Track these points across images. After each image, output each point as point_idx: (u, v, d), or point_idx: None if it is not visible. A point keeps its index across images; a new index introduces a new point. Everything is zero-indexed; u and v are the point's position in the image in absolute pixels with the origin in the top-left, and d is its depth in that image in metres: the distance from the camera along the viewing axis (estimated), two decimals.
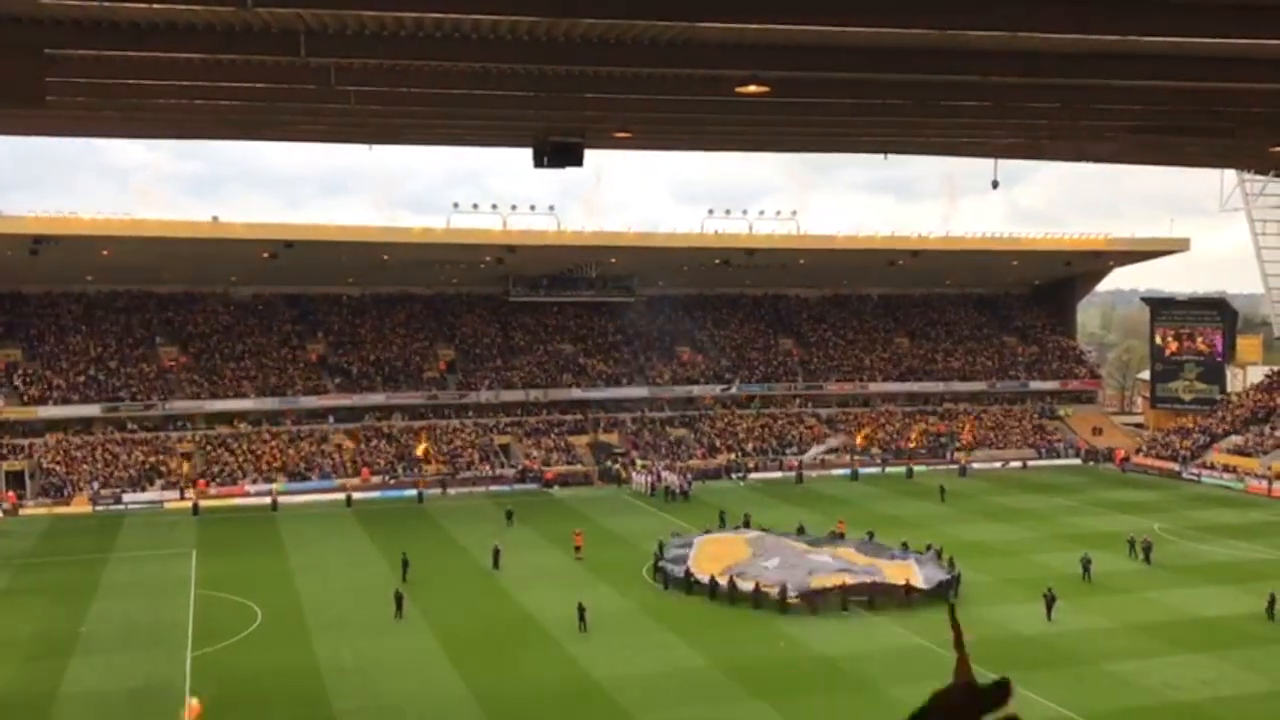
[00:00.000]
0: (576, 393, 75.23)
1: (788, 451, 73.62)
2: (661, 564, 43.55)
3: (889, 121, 25.05)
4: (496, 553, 45.53)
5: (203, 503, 59.19)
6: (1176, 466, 71.28)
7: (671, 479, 63.86)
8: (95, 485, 60.75)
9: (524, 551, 47.74)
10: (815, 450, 74.31)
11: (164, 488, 61.60)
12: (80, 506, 59.23)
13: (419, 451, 65.89)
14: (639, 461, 68.89)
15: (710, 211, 73.20)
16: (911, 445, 75.69)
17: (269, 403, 68.98)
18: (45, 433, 64.27)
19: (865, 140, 30.24)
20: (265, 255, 65.87)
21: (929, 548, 45.22)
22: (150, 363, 69.68)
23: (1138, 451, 76.34)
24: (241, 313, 75.16)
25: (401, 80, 19.06)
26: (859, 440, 74.34)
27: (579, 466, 69.29)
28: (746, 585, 39.84)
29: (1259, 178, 77.08)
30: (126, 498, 60.30)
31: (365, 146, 31.45)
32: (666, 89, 19.56)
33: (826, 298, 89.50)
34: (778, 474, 70.35)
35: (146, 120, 25.68)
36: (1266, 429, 72.30)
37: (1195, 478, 69.19)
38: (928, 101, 21.01)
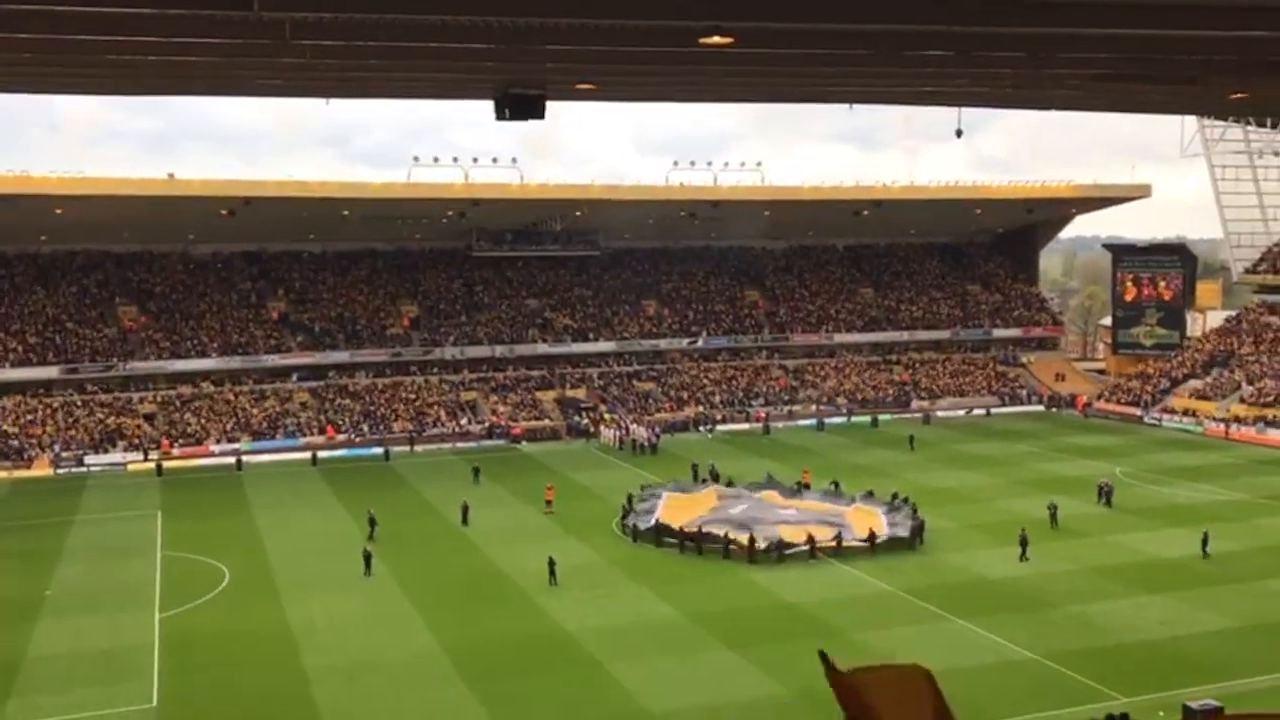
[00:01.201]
0: (543, 348, 75.06)
1: (754, 403, 73.98)
2: (630, 517, 43.74)
3: (854, 71, 24.88)
4: (465, 509, 45.57)
5: (166, 464, 58.78)
6: (1138, 411, 72.32)
7: (640, 432, 64.06)
8: (56, 448, 60.06)
9: (493, 507, 47.81)
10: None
11: (127, 449, 61.02)
12: (41, 469, 58.59)
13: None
14: (607, 415, 68.98)
15: (675, 163, 73.09)
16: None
17: (231, 362, 68.29)
18: (2, 395, 63.37)
19: (830, 90, 30.05)
20: (223, 213, 64.90)
21: (895, 496, 45.74)
22: (109, 323, 68.74)
23: (1099, 397, 77.33)
24: (201, 271, 74.18)
25: (358, 34, 18.61)
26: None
27: (547, 422, 69.27)
28: (715, 536, 40.12)
29: (1219, 123, 77.67)
30: (89, 460, 59.68)
31: (323, 101, 30.86)
32: (628, 40, 19.25)
33: (792, 249, 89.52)
34: (745, 425, 70.72)
35: (97, 77, 25.03)
36: (1225, 373, 73.42)
37: (1156, 422, 70.26)
38: (893, 51, 20.87)
